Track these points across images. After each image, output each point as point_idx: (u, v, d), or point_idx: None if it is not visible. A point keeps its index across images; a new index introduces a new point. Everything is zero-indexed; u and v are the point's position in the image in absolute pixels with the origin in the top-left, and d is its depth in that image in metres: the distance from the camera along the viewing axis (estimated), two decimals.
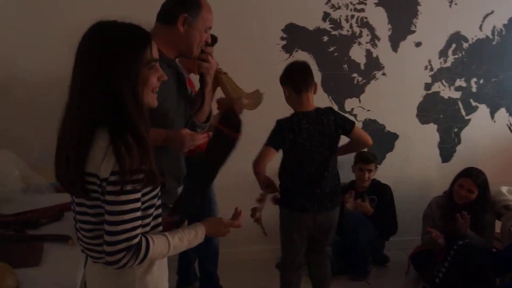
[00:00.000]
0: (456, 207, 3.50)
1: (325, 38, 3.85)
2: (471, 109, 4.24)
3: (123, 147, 1.33)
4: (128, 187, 1.34)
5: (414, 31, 3.99)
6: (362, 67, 3.97)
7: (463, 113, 4.23)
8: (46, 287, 1.72)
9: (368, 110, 4.05)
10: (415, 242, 3.79)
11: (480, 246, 3.34)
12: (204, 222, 1.67)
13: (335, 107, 3.95)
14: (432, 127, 4.21)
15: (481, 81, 4.19)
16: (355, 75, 3.98)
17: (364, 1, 3.85)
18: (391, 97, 4.05)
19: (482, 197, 3.48)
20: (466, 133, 4.27)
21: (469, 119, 4.25)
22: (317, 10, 3.80)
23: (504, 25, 4.12)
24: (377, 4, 3.87)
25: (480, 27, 4.10)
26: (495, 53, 4.14)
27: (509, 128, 4.31)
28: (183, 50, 2.10)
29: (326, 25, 3.84)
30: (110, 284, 1.52)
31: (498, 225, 3.56)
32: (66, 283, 1.75)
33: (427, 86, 4.12)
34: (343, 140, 2.86)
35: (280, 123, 2.72)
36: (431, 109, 4.17)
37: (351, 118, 3.94)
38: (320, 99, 3.81)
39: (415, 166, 4.24)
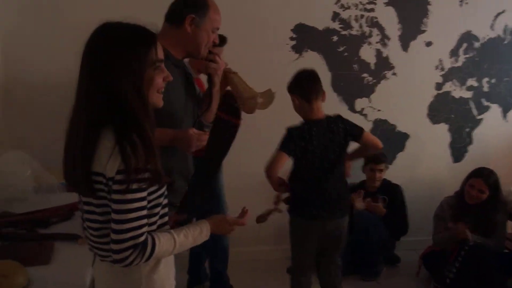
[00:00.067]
0: (467, 207, 3.48)
1: (335, 38, 3.85)
2: (482, 109, 4.22)
3: (129, 146, 1.35)
4: (134, 186, 1.36)
5: (424, 31, 3.97)
6: (372, 67, 3.96)
7: (475, 112, 4.21)
8: (56, 285, 1.75)
9: (379, 110, 4.04)
10: (427, 242, 3.77)
11: (491, 247, 3.31)
12: (209, 219, 1.68)
13: (345, 107, 3.97)
14: (443, 127, 4.19)
15: (493, 81, 4.16)
16: (365, 75, 3.97)
17: (374, 1, 3.84)
18: (402, 97, 4.04)
19: (493, 197, 3.45)
20: (478, 133, 4.24)
21: (481, 119, 4.23)
22: (326, 10, 3.81)
23: None
24: (387, 4, 3.86)
25: (492, 26, 4.07)
26: (507, 52, 4.11)
27: None
28: (191, 51, 2.11)
29: (336, 25, 3.84)
30: (117, 282, 1.53)
31: (510, 225, 3.54)
32: (75, 281, 1.78)
33: (438, 86, 4.10)
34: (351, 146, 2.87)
35: (291, 131, 2.72)
36: (442, 109, 4.15)
37: (361, 118, 3.99)
38: (330, 99, 3.81)
39: (426, 166, 4.23)
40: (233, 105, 1.86)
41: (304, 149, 2.68)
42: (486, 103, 4.21)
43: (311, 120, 2.72)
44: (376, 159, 3.85)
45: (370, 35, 3.91)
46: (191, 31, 2.04)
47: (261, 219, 2.85)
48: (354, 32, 3.88)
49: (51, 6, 3.36)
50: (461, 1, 3.97)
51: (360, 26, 3.88)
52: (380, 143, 2.83)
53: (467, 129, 4.23)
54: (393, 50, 3.96)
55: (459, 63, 4.08)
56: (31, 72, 3.37)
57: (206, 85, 2.25)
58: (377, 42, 3.93)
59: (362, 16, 3.86)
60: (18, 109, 3.37)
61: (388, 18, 3.90)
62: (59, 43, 3.28)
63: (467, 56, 4.08)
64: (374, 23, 3.89)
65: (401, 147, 4.17)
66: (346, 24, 3.85)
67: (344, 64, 3.92)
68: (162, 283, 1.57)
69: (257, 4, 3.68)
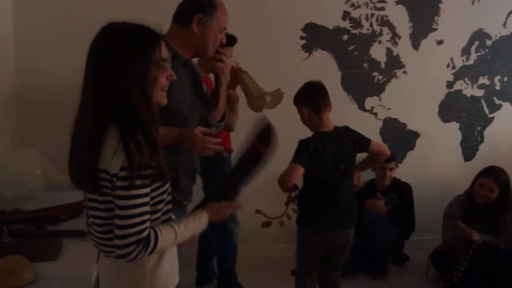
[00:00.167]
0: (477, 206, 3.47)
1: (345, 37, 3.85)
2: (494, 107, 4.18)
3: (133, 144, 1.37)
4: (138, 182, 1.38)
5: (435, 29, 3.95)
6: (383, 65, 3.95)
7: (487, 111, 4.18)
8: (62, 281, 1.78)
9: (389, 109, 4.03)
10: (436, 241, 3.76)
11: (500, 246, 3.30)
12: (205, 208, 1.72)
13: (355, 106, 3.96)
14: (454, 126, 4.17)
15: (505, 79, 4.13)
16: (375, 73, 3.96)
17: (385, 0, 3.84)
18: (412, 96, 4.03)
19: (503, 196, 3.44)
20: (489, 132, 4.22)
21: (493, 117, 4.20)
22: (336, 9, 3.80)
23: None
24: (397, 2, 3.85)
25: (504, 24, 4.04)
26: None
27: None
28: (198, 51, 2.13)
29: (346, 24, 3.83)
30: (121, 277, 1.56)
31: None
32: (81, 277, 1.81)
33: (449, 84, 4.08)
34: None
35: (304, 144, 2.70)
36: (453, 107, 4.12)
37: (371, 117, 3.98)
38: (340, 98, 3.85)
39: (436, 164, 4.21)
40: (270, 138, 1.82)
41: (318, 162, 2.67)
42: (498, 102, 4.18)
43: (322, 132, 2.72)
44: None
45: (381, 34, 3.89)
46: (198, 31, 2.06)
47: (269, 224, 2.89)
48: (364, 31, 3.87)
49: (63, 8, 3.40)
50: None
51: (371, 25, 3.87)
52: (387, 150, 2.87)
53: (479, 128, 4.20)
54: (403, 49, 3.95)
55: (471, 61, 4.05)
56: (43, 73, 3.41)
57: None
58: (387, 41, 3.92)
59: (372, 15, 3.85)
60: (30, 110, 3.41)
61: (399, 16, 3.89)
62: (71, 45, 3.31)
63: (478, 54, 4.05)
64: (385, 22, 3.88)
65: (411, 146, 4.15)
66: (356, 23, 3.84)
67: (354, 63, 3.91)
68: (165, 278, 1.60)
69: (267, 3, 3.69)
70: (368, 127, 3.78)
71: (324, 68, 3.81)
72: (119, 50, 1.41)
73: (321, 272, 2.98)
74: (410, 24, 3.91)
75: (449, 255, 3.51)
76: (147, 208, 1.43)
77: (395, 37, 3.92)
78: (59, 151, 1.78)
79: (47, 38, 3.39)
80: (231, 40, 2.91)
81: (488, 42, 4.04)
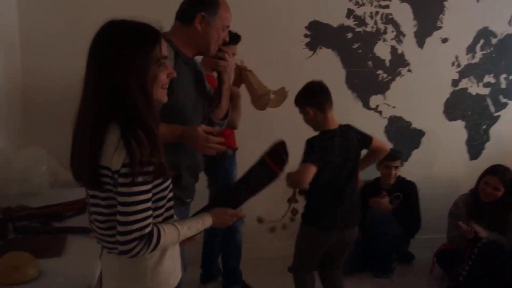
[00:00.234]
0: (482, 205, 3.46)
1: (349, 35, 3.85)
2: (500, 106, 4.18)
3: (134, 140, 1.38)
4: (139, 179, 1.39)
5: (440, 27, 3.95)
6: (387, 63, 3.95)
7: (492, 109, 4.17)
8: (66, 277, 1.79)
9: (394, 107, 4.03)
10: (441, 240, 3.75)
11: (505, 244, 3.28)
12: (210, 212, 1.72)
13: (360, 104, 3.96)
14: (459, 124, 4.16)
15: (511, 77, 4.12)
16: (380, 71, 3.96)
17: None
18: (417, 94, 4.02)
19: (508, 195, 3.42)
20: (495, 130, 4.21)
21: (498, 116, 4.19)
22: (341, 7, 3.80)
23: None
24: (402, 0, 3.85)
25: (509, 22, 4.04)
26: None
27: None
28: (201, 49, 2.14)
29: (350, 22, 3.83)
30: (124, 273, 1.57)
31: None
32: (84, 273, 1.81)
33: (455, 83, 4.08)
34: None
35: (313, 142, 2.70)
36: (458, 105, 4.12)
37: (376, 115, 3.98)
38: (344, 96, 3.85)
39: (441, 163, 4.20)
40: (282, 156, 1.80)
41: (327, 160, 2.66)
42: (503, 100, 4.17)
43: (328, 130, 2.71)
44: (391, 156, 3.80)
45: (385, 32, 3.89)
46: (201, 29, 2.06)
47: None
48: (368, 29, 3.87)
49: (68, 9, 3.42)
50: None
51: (375, 23, 3.87)
52: (387, 146, 2.90)
53: (484, 126, 4.19)
54: (408, 47, 3.94)
55: (476, 60, 4.05)
56: (48, 74, 3.43)
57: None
58: (392, 39, 3.91)
59: (377, 12, 3.85)
60: (36, 109, 3.43)
61: (404, 14, 3.89)
62: (76, 46, 3.31)
63: (484, 52, 4.05)
64: (389, 20, 3.87)
65: (416, 144, 4.15)
66: (360, 21, 3.84)
67: (358, 61, 3.91)
68: (167, 276, 1.60)
69: (271, 1, 3.69)
70: (373, 126, 3.78)
71: (328, 66, 3.81)
72: (119, 46, 1.42)
73: (321, 272, 2.98)
74: (415, 22, 3.91)
75: (454, 254, 3.50)
76: (149, 204, 1.44)
77: (399, 35, 3.91)
78: (64, 149, 1.80)
79: (52, 39, 3.41)
80: (235, 38, 2.91)
81: (494, 40, 4.04)
